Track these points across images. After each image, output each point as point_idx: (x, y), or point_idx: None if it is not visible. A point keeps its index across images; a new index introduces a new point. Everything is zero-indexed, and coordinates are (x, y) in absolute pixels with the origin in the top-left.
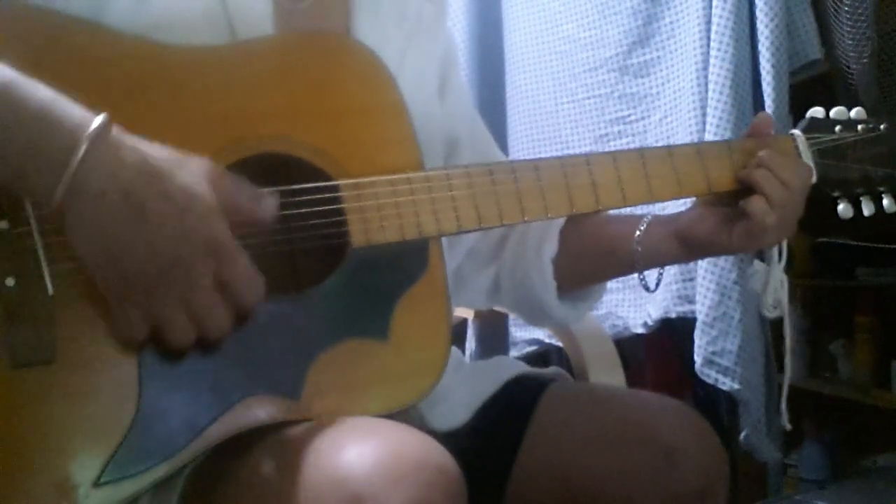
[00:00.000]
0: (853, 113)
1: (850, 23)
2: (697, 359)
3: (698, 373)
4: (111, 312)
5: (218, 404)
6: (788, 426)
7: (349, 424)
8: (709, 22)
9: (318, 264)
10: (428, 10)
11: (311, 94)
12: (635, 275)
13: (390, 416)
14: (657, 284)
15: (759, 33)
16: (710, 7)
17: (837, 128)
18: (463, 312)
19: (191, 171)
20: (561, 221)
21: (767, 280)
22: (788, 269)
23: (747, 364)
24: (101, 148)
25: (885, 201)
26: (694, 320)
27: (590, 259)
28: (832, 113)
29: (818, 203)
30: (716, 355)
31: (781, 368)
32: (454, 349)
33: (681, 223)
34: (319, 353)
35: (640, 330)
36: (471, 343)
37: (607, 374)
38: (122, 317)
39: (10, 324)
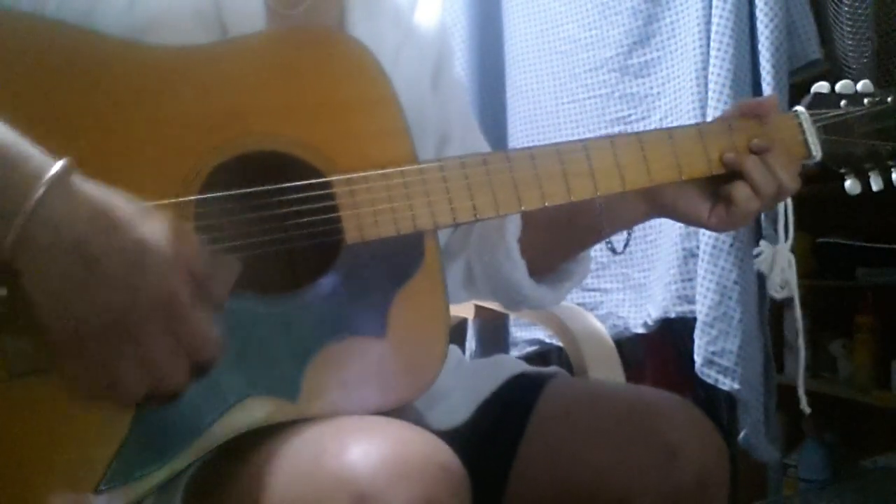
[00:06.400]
0: (860, 86)
1: (850, 23)
2: (697, 359)
3: (698, 373)
4: (56, 365)
5: (215, 406)
6: (808, 409)
7: (352, 423)
8: (709, 22)
9: (314, 262)
10: (424, 9)
11: (300, 89)
12: (623, 263)
13: (389, 414)
14: (625, 246)
15: (759, 33)
16: (710, 7)
17: (843, 102)
18: (463, 312)
19: (151, 225)
20: None
21: (774, 260)
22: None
23: (747, 364)
24: (56, 197)
25: (895, 175)
26: (694, 320)
27: (553, 230)
28: (838, 87)
29: (819, 203)
30: (716, 355)
31: (781, 369)
32: (453, 347)
33: (657, 188)
34: (316, 352)
35: (640, 330)
36: (471, 343)
37: (607, 374)
38: (69, 370)
39: (6, 334)
